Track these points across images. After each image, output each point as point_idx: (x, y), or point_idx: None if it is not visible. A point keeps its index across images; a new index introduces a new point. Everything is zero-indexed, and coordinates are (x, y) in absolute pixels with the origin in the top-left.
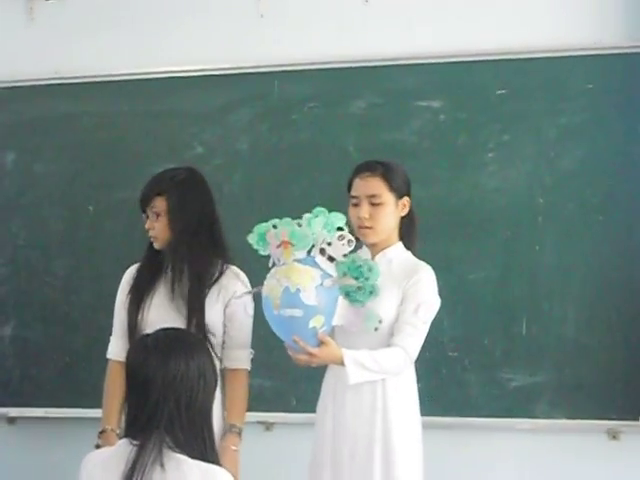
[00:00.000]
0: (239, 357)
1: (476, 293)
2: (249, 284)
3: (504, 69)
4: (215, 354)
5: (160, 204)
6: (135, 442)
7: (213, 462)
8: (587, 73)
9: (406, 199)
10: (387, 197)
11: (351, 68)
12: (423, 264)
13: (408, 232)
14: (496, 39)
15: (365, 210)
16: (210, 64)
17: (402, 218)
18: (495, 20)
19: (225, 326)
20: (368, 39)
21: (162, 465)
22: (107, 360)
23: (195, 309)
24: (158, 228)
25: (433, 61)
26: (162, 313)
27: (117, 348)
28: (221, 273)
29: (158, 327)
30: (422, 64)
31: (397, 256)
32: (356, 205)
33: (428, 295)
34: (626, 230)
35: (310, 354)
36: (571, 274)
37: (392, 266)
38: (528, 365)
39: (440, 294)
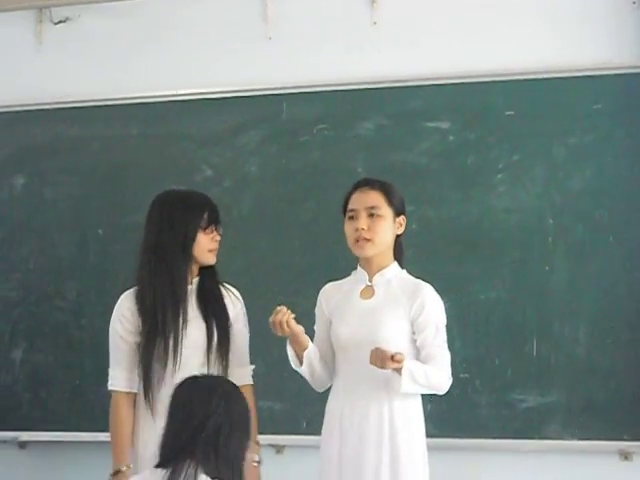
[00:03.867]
0: (242, 375)
1: (486, 314)
2: (241, 298)
3: (513, 90)
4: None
5: None
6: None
7: None
8: (596, 93)
9: (402, 218)
10: (386, 210)
11: (359, 90)
12: (423, 283)
13: (398, 253)
14: (504, 60)
15: (364, 221)
16: (219, 87)
17: (396, 238)
18: (503, 41)
19: None
20: (376, 61)
21: None
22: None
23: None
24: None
25: (441, 82)
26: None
27: (124, 380)
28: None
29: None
30: (430, 85)
31: (395, 276)
32: (352, 218)
33: (439, 314)
34: (636, 250)
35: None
36: (581, 294)
37: (391, 286)
38: (539, 386)
39: (450, 315)
